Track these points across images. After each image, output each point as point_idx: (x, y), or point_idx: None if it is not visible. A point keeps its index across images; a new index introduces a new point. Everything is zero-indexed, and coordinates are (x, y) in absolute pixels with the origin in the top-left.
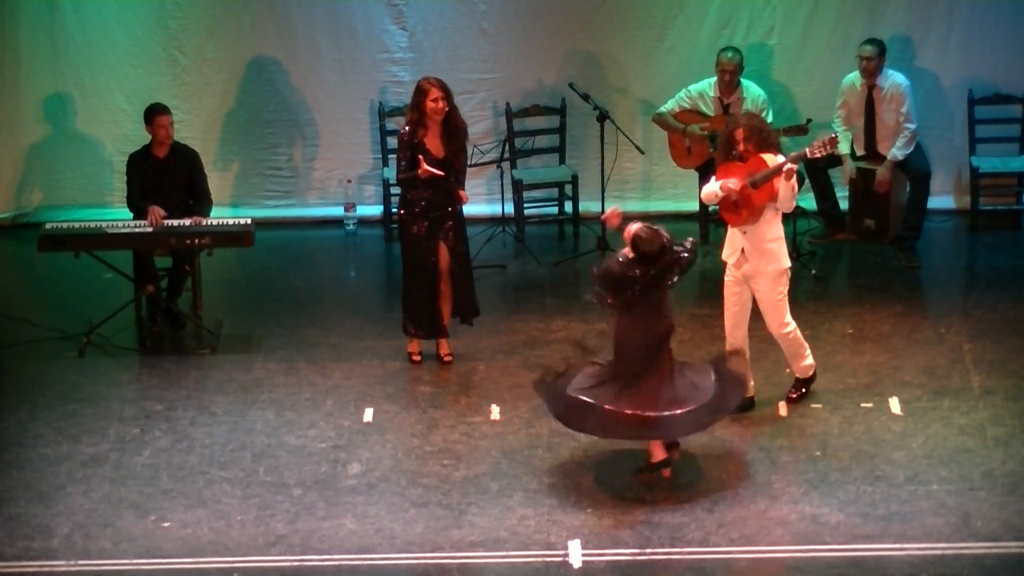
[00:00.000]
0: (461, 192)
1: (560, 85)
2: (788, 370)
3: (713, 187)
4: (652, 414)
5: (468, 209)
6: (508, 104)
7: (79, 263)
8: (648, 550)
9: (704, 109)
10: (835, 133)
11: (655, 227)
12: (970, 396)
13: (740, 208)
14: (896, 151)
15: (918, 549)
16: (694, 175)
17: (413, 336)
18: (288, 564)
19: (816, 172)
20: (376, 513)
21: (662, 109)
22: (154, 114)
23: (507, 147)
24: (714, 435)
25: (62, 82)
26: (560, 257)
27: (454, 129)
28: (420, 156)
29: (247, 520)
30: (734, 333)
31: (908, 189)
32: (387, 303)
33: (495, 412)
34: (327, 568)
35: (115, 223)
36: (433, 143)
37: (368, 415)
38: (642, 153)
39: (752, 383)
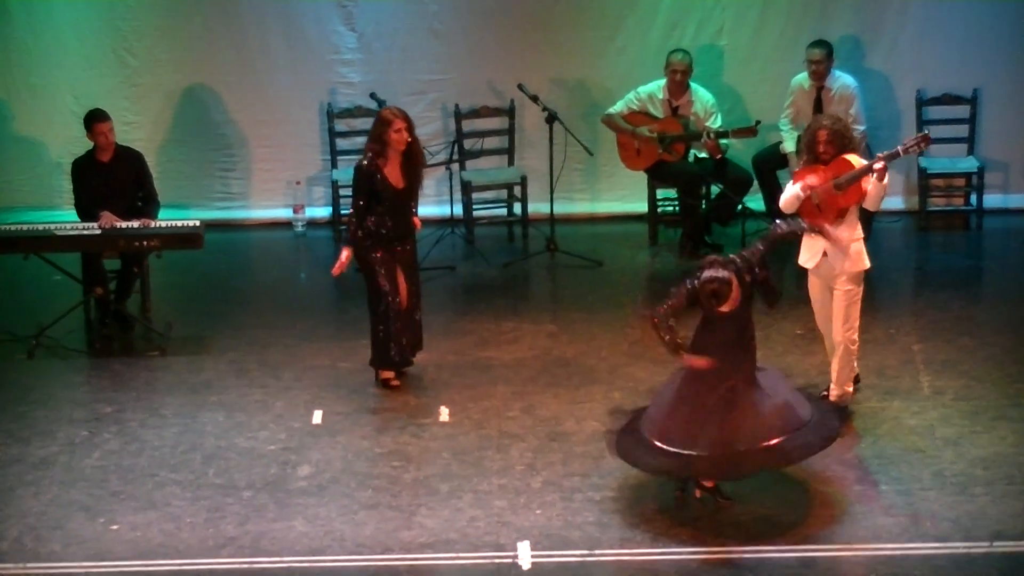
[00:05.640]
0: (416, 219)
1: (510, 86)
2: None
3: (792, 190)
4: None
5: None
6: (457, 105)
7: (28, 265)
8: (598, 551)
9: (653, 111)
10: (927, 131)
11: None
12: (920, 396)
13: (824, 211)
14: None
15: (868, 549)
16: (643, 177)
17: (383, 367)
18: (238, 566)
19: (764, 173)
20: (326, 515)
21: (611, 111)
22: (93, 121)
23: (456, 148)
24: None
25: (11, 84)
26: (510, 258)
27: (414, 159)
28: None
29: (197, 522)
30: (830, 335)
31: None
32: (338, 305)
33: (444, 414)
34: (278, 570)
35: (64, 225)
36: (393, 173)
37: (318, 417)
38: (591, 154)
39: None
